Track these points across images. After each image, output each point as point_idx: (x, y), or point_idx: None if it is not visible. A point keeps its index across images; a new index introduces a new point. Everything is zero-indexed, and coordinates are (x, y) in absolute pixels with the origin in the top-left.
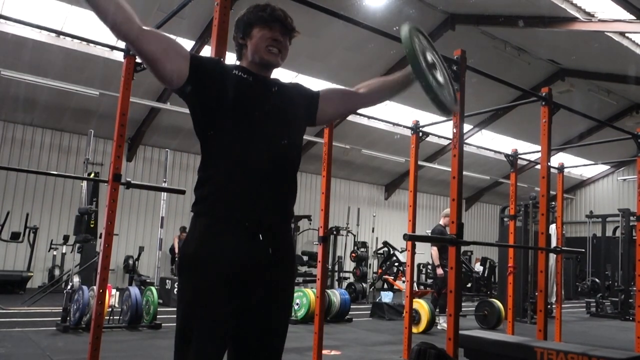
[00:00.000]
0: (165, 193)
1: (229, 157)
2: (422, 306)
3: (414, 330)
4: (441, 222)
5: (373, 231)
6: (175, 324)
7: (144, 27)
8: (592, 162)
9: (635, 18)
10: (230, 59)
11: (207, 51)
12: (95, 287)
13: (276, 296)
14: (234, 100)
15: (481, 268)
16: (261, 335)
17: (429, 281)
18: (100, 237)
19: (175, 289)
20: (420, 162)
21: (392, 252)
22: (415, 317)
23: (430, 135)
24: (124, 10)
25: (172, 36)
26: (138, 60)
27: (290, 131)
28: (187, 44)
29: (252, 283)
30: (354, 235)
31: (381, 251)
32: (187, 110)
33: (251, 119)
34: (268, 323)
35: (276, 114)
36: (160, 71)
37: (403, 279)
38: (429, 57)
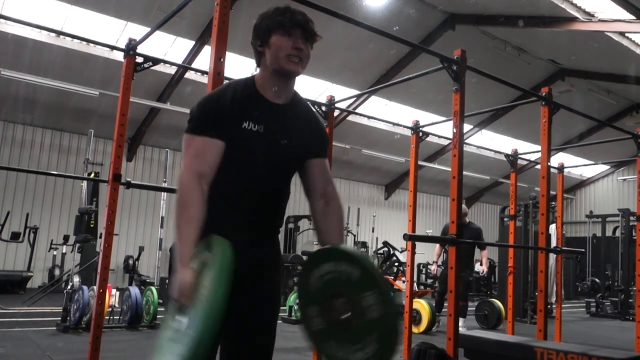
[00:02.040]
0: (165, 193)
1: (221, 197)
2: (422, 306)
3: (415, 330)
4: None
5: (373, 231)
6: None
7: (204, 184)
8: (592, 162)
9: (635, 18)
10: (231, 58)
11: (207, 51)
12: (95, 287)
13: (263, 300)
14: (239, 155)
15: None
16: (249, 336)
17: (429, 281)
18: (100, 237)
19: None
20: (420, 162)
21: (392, 252)
22: (415, 317)
23: (430, 135)
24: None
25: (173, 36)
26: (138, 60)
27: (289, 175)
28: (187, 44)
29: (239, 287)
30: (354, 235)
31: (381, 251)
32: (187, 110)
33: (253, 169)
34: (256, 325)
35: (280, 165)
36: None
37: (403, 279)
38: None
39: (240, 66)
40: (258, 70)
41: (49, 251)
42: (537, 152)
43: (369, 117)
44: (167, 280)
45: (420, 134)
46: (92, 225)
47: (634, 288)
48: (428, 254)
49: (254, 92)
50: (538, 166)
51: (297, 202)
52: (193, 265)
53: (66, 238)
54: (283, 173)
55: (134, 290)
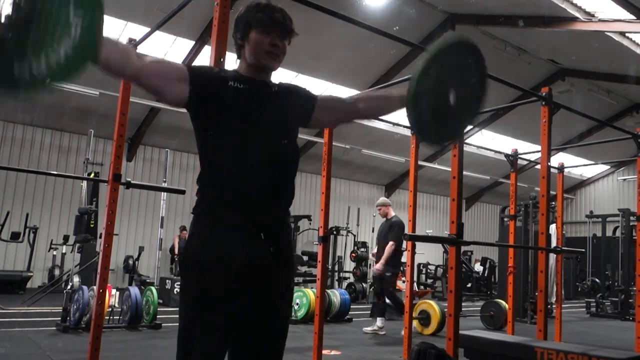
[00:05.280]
0: (165, 193)
1: (227, 162)
2: (432, 307)
3: (424, 332)
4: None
5: (373, 231)
6: (175, 324)
7: (143, 62)
8: (592, 162)
9: (635, 18)
10: (231, 59)
11: (207, 51)
12: (95, 287)
13: (277, 296)
14: (230, 112)
15: (481, 268)
16: (262, 335)
17: (429, 281)
18: (100, 237)
19: (175, 289)
20: (420, 162)
21: None
22: (425, 319)
23: None
24: (126, 54)
25: (173, 36)
26: None
27: (287, 132)
28: (187, 44)
29: (254, 283)
30: (354, 235)
31: None
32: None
33: (248, 125)
34: (269, 323)
35: (273, 117)
36: (164, 98)
37: (403, 279)
38: (445, 84)
39: None
40: (238, 62)
41: (49, 251)
42: (537, 152)
43: None
44: (166, 280)
45: None
46: (92, 225)
47: (634, 288)
48: (428, 254)
49: None
50: (538, 166)
51: (296, 202)
52: None
53: (66, 238)
54: (280, 125)
55: (134, 290)
